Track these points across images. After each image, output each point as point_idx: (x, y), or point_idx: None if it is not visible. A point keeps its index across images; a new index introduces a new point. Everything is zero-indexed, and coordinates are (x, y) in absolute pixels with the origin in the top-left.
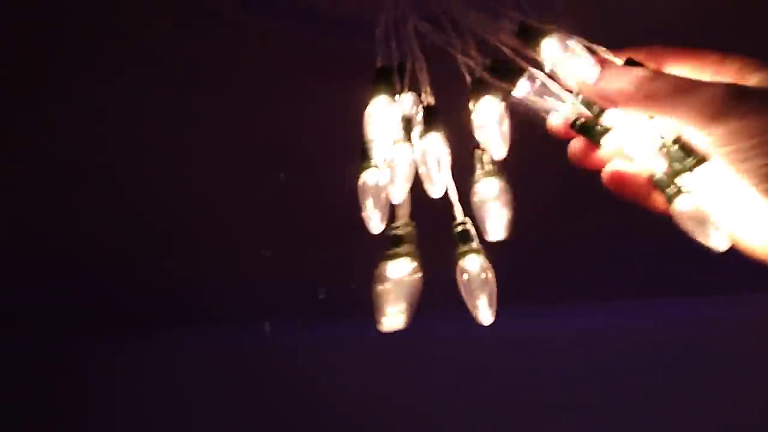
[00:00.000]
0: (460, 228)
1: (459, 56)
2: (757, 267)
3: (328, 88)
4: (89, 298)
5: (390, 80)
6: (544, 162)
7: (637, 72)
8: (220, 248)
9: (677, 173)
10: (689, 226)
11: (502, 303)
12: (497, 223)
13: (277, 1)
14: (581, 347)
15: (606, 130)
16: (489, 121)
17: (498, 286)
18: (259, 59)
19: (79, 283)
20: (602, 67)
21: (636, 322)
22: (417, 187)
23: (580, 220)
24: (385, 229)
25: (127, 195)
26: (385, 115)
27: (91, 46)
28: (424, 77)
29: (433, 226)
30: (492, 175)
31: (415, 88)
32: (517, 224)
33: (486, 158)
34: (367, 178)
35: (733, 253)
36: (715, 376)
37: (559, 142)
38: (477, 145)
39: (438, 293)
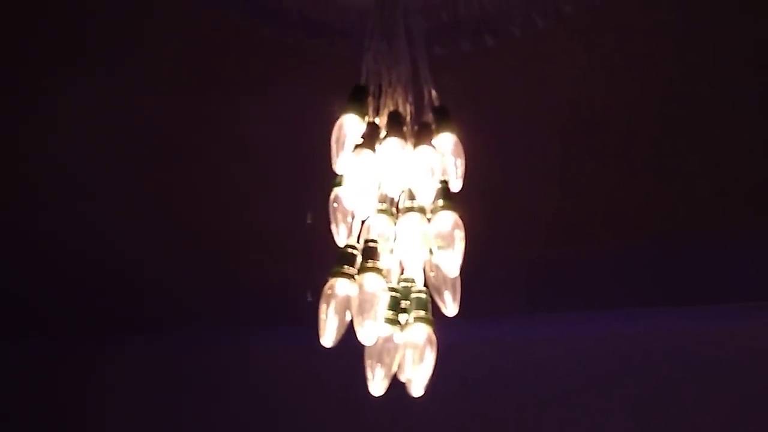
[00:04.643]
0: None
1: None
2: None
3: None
4: None
5: (363, 99)
6: (548, 172)
7: None
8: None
9: None
10: None
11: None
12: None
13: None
14: (584, 353)
15: None
16: (447, 152)
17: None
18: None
19: None
20: None
21: (639, 330)
22: None
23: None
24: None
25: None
26: (353, 132)
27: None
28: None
29: None
30: (448, 209)
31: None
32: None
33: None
34: (337, 193)
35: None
36: (715, 385)
37: (563, 155)
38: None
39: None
